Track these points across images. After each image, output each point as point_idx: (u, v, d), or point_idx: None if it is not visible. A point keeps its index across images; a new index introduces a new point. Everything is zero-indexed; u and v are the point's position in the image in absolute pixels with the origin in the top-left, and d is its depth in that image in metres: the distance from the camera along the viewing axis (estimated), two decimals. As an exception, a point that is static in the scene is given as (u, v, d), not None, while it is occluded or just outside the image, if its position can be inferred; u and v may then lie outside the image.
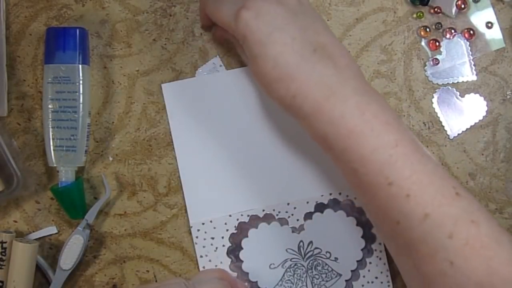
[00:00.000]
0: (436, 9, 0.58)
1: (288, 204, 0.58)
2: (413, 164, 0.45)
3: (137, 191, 0.59)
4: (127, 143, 0.59)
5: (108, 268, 0.59)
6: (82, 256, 0.58)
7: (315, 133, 0.48)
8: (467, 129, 0.59)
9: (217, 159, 0.58)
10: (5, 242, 0.56)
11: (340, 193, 0.58)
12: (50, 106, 0.56)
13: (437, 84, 0.58)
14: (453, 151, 0.59)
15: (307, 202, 0.58)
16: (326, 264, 0.58)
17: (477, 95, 0.58)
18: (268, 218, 0.58)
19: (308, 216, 0.58)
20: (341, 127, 0.46)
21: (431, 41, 0.58)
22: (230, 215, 0.58)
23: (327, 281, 0.58)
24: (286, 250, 0.58)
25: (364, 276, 0.58)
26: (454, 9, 0.58)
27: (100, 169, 0.59)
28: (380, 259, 0.58)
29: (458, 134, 0.59)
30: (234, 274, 0.58)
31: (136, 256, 0.59)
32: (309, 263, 0.58)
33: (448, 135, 0.59)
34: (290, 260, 0.58)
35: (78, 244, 0.57)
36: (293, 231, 0.58)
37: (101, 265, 0.59)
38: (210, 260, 0.58)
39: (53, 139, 0.56)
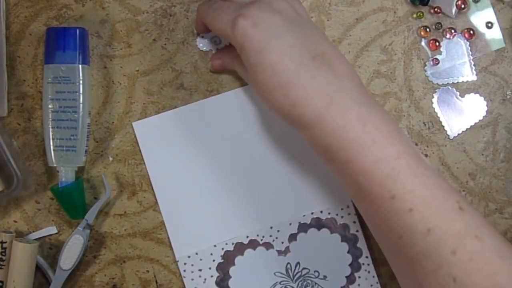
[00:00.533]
0: (436, 9, 0.58)
1: (271, 227, 0.58)
2: (416, 177, 0.45)
3: (137, 191, 0.59)
4: (127, 143, 0.59)
5: (108, 268, 0.59)
6: (82, 256, 0.58)
7: (316, 143, 0.47)
8: (467, 129, 0.59)
9: (196, 191, 0.58)
10: (5, 242, 0.56)
11: (321, 211, 0.58)
12: (50, 106, 0.56)
13: (437, 84, 0.58)
14: (453, 151, 0.59)
15: (290, 224, 0.58)
16: (316, 283, 0.58)
17: (477, 95, 0.58)
18: (252, 244, 0.58)
19: (293, 237, 0.58)
20: (343, 138, 0.46)
21: (431, 41, 0.58)
22: (215, 245, 0.58)
23: None
24: (275, 274, 0.58)
25: None
26: (454, 9, 0.58)
27: (100, 169, 0.59)
28: (368, 272, 0.58)
29: (458, 134, 0.59)
30: None
31: (136, 256, 0.59)
32: (298, 284, 0.58)
33: (448, 135, 0.59)
34: (280, 283, 0.58)
35: (78, 244, 0.57)
36: (279, 254, 0.58)
37: (101, 265, 0.59)
38: None
39: (53, 139, 0.56)
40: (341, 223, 0.58)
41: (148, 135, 0.58)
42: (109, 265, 0.59)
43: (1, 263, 0.56)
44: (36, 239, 0.59)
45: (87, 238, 0.57)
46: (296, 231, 0.58)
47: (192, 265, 0.58)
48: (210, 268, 0.58)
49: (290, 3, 0.50)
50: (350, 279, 0.58)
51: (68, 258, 0.57)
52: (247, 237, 0.58)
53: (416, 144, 0.59)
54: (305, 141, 0.49)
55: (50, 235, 0.59)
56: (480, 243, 0.43)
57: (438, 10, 0.58)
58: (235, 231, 0.58)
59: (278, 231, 0.58)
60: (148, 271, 0.59)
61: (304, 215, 0.58)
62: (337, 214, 0.58)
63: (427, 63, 0.58)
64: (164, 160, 0.58)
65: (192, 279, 0.58)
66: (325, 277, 0.58)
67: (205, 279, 0.58)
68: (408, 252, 0.45)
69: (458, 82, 0.58)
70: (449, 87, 0.58)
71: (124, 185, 0.59)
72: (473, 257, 0.43)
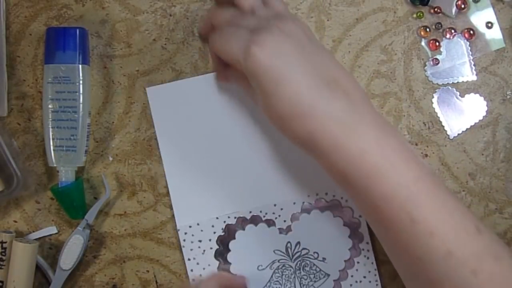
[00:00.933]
0: (436, 9, 0.58)
1: (275, 205, 0.58)
2: (435, 200, 0.45)
3: (137, 191, 0.59)
4: (127, 143, 0.59)
5: (108, 268, 0.59)
6: (82, 256, 0.58)
7: (334, 171, 0.47)
8: (467, 129, 0.59)
9: (203, 162, 0.58)
10: (5, 242, 0.56)
11: (326, 193, 0.58)
12: (50, 106, 0.56)
13: (437, 84, 0.58)
14: (453, 151, 0.59)
15: (294, 203, 0.58)
16: (314, 264, 0.58)
17: (477, 95, 0.58)
18: (255, 219, 0.58)
19: (295, 217, 0.58)
20: (362, 165, 0.45)
21: (431, 41, 0.58)
22: (217, 218, 0.58)
23: (315, 281, 0.58)
24: (274, 252, 0.58)
25: (352, 276, 0.58)
26: (454, 9, 0.58)
27: (100, 169, 0.59)
28: (368, 258, 0.58)
29: (458, 134, 0.59)
30: None
31: (136, 256, 0.59)
32: (297, 264, 0.58)
33: (448, 135, 0.59)
34: (278, 261, 0.58)
35: (78, 244, 0.57)
36: (280, 232, 0.58)
37: (101, 265, 0.59)
38: (198, 263, 0.58)
39: (53, 139, 0.56)
40: (346, 206, 0.58)
41: (160, 102, 0.58)
42: (109, 265, 0.59)
43: (1, 263, 0.56)
44: (36, 239, 0.59)
45: (87, 238, 0.57)
46: (299, 211, 0.58)
47: (193, 235, 0.58)
48: (210, 240, 0.58)
49: (299, 25, 0.49)
50: (349, 263, 0.58)
51: (68, 258, 0.57)
52: (250, 212, 0.58)
53: (416, 144, 0.59)
54: (322, 168, 0.48)
55: (50, 235, 0.59)
56: (500, 263, 0.44)
57: (438, 10, 0.58)
58: (239, 205, 0.58)
59: (282, 209, 0.58)
60: (148, 271, 0.59)
61: (309, 196, 0.58)
62: (342, 198, 0.58)
63: (427, 63, 0.58)
64: (174, 128, 0.58)
65: (191, 249, 0.58)
66: (324, 259, 0.58)
67: (204, 250, 0.58)
68: (428, 274, 0.45)
69: (458, 82, 0.58)
70: (449, 87, 0.58)
71: (124, 185, 0.59)
72: (493, 278, 0.43)
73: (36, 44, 0.59)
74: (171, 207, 0.59)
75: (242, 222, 0.58)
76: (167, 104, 0.58)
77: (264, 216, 0.58)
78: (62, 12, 0.59)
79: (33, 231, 0.59)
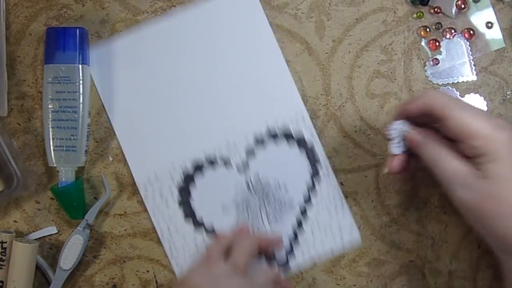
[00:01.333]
0: (436, 9, 0.58)
1: (228, 143, 0.58)
2: None
3: (137, 191, 0.59)
4: (127, 143, 0.59)
5: (108, 268, 0.59)
6: (82, 256, 0.58)
7: None
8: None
9: (150, 113, 0.58)
10: (5, 242, 0.56)
11: (276, 122, 0.58)
12: (50, 106, 0.56)
13: (437, 84, 0.58)
14: (453, 151, 0.59)
15: (246, 137, 0.58)
16: (277, 195, 0.58)
17: (477, 95, 0.58)
18: (211, 160, 0.58)
19: (250, 152, 0.58)
20: None
21: (431, 41, 0.58)
22: (173, 165, 0.58)
23: (281, 211, 0.58)
24: (235, 190, 0.58)
25: (316, 197, 0.58)
26: (454, 9, 0.58)
27: (100, 169, 0.59)
28: (328, 176, 0.58)
29: (458, 134, 0.59)
30: (189, 222, 0.58)
31: (136, 256, 0.59)
32: (260, 197, 0.58)
33: (448, 135, 0.59)
34: (241, 198, 0.58)
35: (78, 244, 0.57)
36: (238, 170, 0.58)
37: (101, 265, 0.59)
38: (162, 214, 0.58)
39: (53, 139, 0.56)
40: (297, 132, 0.58)
41: (97, 60, 0.58)
42: (109, 265, 0.59)
43: (1, 263, 0.56)
44: (36, 239, 0.59)
45: (87, 238, 0.57)
46: (252, 144, 0.58)
47: (152, 188, 0.58)
48: (171, 191, 0.58)
49: None
50: (311, 187, 0.58)
51: (68, 258, 0.57)
52: (205, 154, 0.58)
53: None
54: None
55: (50, 235, 0.59)
56: None
57: (438, 10, 0.58)
58: (192, 148, 0.58)
59: (236, 146, 0.58)
60: (148, 271, 0.59)
61: (259, 127, 0.58)
62: (292, 124, 0.58)
63: (427, 63, 0.58)
64: (116, 84, 0.58)
65: (154, 201, 0.58)
66: (286, 188, 0.58)
67: (166, 200, 0.58)
68: None
69: (458, 82, 0.58)
70: (449, 87, 0.58)
71: (124, 185, 0.59)
72: None
73: (36, 44, 0.59)
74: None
75: (199, 167, 0.58)
76: (105, 61, 0.58)
77: (219, 155, 0.58)
78: (62, 12, 0.59)
79: (33, 231, 0.59)
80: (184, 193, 0.58)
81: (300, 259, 0.58)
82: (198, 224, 0.58)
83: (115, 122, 0.58)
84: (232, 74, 0.58)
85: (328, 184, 0.58)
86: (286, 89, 0.58)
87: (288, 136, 0.58)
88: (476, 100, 0.58)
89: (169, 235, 0.58)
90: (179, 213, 0.58)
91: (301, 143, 0.58)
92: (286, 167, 0.58)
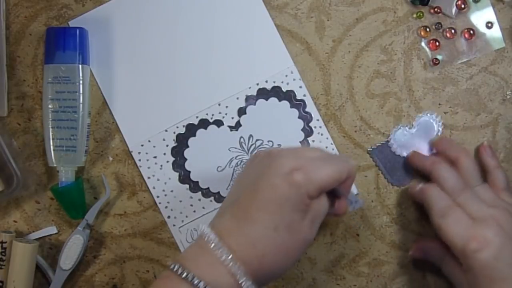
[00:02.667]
0: (436, 9, 0.58)
1: (219, 104, 0.58)
2: None
3: (137, 191, 0.59)
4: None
5: (108, 268, 0.59)
6: (82, 256, 0.58)
7: None
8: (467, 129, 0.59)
9: (141, 79, 0.58)
10: (5, 242, 0.56)
11: (266, 81, 0.58)
12: (50, 106, 0.56)
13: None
14: (453, 151, 0.59)
15: (237, 98, 0.58)
16: None
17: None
18: (203, 123, 0.59)
19: (242, 111, 0.59)
20: None
21: (431, 41, 0.58)
22: (166, 130, 0.58)
23: None
24: (229, 150, 0.58)
25: None
26: (454, 9, 0.58)
27: (100, 169, 0.59)
28: (321, 134, 0.58)
29: (458, 134, 0.59)
30: (185, 186, 0.58)
31: (136, 256, 0.59)
32: None
33: (448, 135, 0.59)
34: (236, 158, 0.58)
35: (78, 244, 0.57)
36: (231, 130, 0.59)
37: (101, 265, 0.59)
38: (158, 179, 0.59)
39: (53, 139, 0.56)
40: (287, 89, 0.58)
41: (95, 27, 0.58)
42: (109, 265, 0.59)
43: (1, 263, 0.56)
44: (36, 239, 0.59)
45: (87, 238, 0.57)
46: (244, 105, 0.59)
47: (146, 153, 0.59)
48: (164, 154, 0.59)
49: (506, 211, 0.51)
50: (304, 144, 0.58)
51: (68, 258, 0.57)
52: (197, 117, 0.59)
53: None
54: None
55: (50, 235, 0.59)
56: None
57: (438, 10, 0.58)
58: (184, 113, 0.59)
59: (227, 106, 0.58)
60: (148, 271, 0.59)
61: (249, 87, 0.59)
62: (282, 82, 0.58)
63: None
64: (105, 55, 0.58)
65: (149, 167, 0.59)
66: (279, 145, 0.58)
67: (161, 165, 0.59)
68: None
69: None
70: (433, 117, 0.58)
71: (124, 185, 0.59)
72: None
73: (36, 44, 0.59)
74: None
75: (192, 128, 0.59)
76: (93, 33, 0.58)
77: (211, 118, 0.59)
78: (62, 12, 0.59)
79: (33, 231, 0.59)
80: (178, 156, 0.58)
81: None
82: (193, 185, 0.58)
83: (105, 91, 0.59)
84: (220, 37, 0.58)
85: (321, 143, 0.58)
86: (275, 48, 0.58)
87: (278, 93, 0.58)
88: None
89: (166, 200, 0.58)
90: (174, 176, 0.59)
91: (292, 99, 0.58)
92: (278, 124, 0.59)
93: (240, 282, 0.43)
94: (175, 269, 0.43)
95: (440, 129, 0.58)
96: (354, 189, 0.56)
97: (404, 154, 0.58)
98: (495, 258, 0.48)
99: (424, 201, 0.53)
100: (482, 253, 0.48)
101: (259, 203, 0.45)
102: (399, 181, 0.58)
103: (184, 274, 0.43)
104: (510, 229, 0.50)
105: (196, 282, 0.42)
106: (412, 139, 0.58)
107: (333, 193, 0.49)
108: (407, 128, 0.58)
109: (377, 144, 0.58)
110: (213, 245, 0.44)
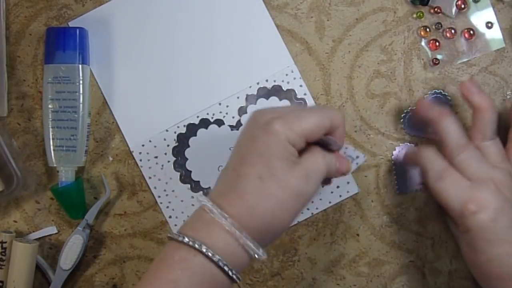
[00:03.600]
0: (436, 9, 0.58)
1: (220, 104, 0.58)
2: None
3: (137, 191, 0.59)
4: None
5: (108, 268, 0.59)
6: (82, 256, 0.58)
7: None
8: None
9: (142, 79, 0.58)
10: (5, 242, 0.56)
11: (267, 80, 0.58)
12: (50, 106, 0.56)
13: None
14: (453, 151, 0.59)
15: (238, 97, 0.59)
16: None
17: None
18: (204, 123, 0.59)
19: (242, 110, 0.59)
20: None
21: (431, 41, 0.58)
22: (167, 130, 0.58)
23: None
24: (230, 149, 0.58)
25: None
26: (454, 9, 0.58)
27: (100, 169, 0.59)
28: None
29: (458, 134, 0.59)
30: (186, 186, 0.58)
31: (136, 256, 0.59)
32: None
33: (448, 135, 0.59)
34: None
35: (78, 244, 0.57)
36: (232, 129, 0.59)
37: (101, 265, 0.59)
38: (159, 179, 0.59)
39: (53, 139, 0.56)
40: (288, 88, 0.58)
41: (96, 27, 0.58)
42: (109, 265, 0.59)
43: (1, 263, 0.56)
44: (36, 239, 0.59)
45: (87, 238, 0.57)
46: (244, 104, 0.59)
47: (148, 153, 0.59)
48: (165, 154, 0.59)
49: (507, 174, 0.51)
50: None
51: (68, 258, 0.57)
52: (198, 117, 0.59)
53: (416, 144, 0.59)
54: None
55: (50, 235, 0.59)
56: None
57: (438, 10, 0.58)
58: (185, 112, 0.59)
59: (227, 106, 0.58)
60: (148, 271, 0.59)
61: (250, 86, 0.59)
62: (282, 81, 0.58)
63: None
64: (105, 55, 0.58)
65: (150, 167, 0.59)
66: None
67: (162, 165, 0.59)
68: None
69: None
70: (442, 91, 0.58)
71: (124, 185, 0.59)
72: None
73: (36, 44, 0.59)
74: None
75: (192, 128, 0.59)
76: (93, 33, 0.58)
77: (212, 117, 0.59)
78: (62, 12, 0.59)
79: (33, 231, 0.59)
80: (179, 155, 0.58)
81: None
82: (194, 185, 0.58)
83: (105, 91, 0.58)
84: (221, 37, 0.58)
85: None
86: (275, 47, 0.58)
87: (279, 92, 0.58)
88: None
89: (167, 200, 0.58)
90: (175, 175, 0.59)
91: (292, 98, 0.58)
92: None
93: (237, 237, 0.43)
94: (176, 237, 0.43)
95: (451, 103, 0.58)
96: (353, 148, 0.55)
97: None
98: (492, 220, 0.48)
99: (419, 164, 0.53)
100: (480, 215, 0.48)
101: (242, 157, 0.45)
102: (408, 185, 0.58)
103: (181, 238, 0.43)
104: (508, 191, 0.50)
105: (197, 245, 0.42)
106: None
107: (327, 148, 0.48)
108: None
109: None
110: (206, 206, 0.43)
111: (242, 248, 0.43)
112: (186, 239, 0.42)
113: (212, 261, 0.42)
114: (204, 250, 0.42)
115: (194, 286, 0.42)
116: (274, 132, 0.44)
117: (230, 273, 0.43)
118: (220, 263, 0.42)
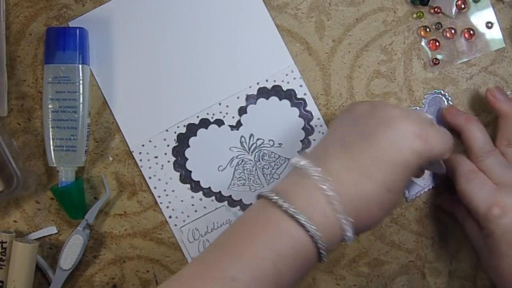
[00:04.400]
0: (436, 9, 0.58)
1: (220, 104, 0.58)
2: None
3: (137, 191, 0.59)
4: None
5: (108, 268, 0.59)
6: (82, 256, 0.58)
7: None
8: (467, 129, 0.59)
9: (142, 79, 0.58)
10: (5, 242, 0.56)
11: (266, 80, 0.58)
12: (50, 106, 0.56)
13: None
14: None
15: (238, 97, 0.59)
16: (272, 152, 0.58)
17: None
18: (204, 123, 0.59)
19: (242, 110, 0.59)
20: None
21: (431, 41, 0.58)
22: (167, 130, 0.58)
23: (277, 168, 0.58)
24: (230, 149, 0.58)
25: None
26: (454, 9, 0.58)
27: (100, 169, 0.59)
28: (322, 133, 0.58)
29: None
30: (186, 186, 0.58)
31: (136, 256, 0.59)
32: (255, 155, 0.58)
33: (448, 135, 0.59)
34: (237, 157, 0.58)
35: (78, 244, 0.57)
36: (232, 129, 0.59)
37: (101, 265, 0.59)
38: (159, 179, 0.59)
39: (53, 139, 0.56)
40: (288, 88, 0.58)
41: (96, 27, 0.58)
42: (109, 265, 0.59)
43: (1, 263, 0.56)
44: (36, 239, 0.59)
45: (87, 238, 0.57)
46: (244, 104, 0.59)
47: (148, 153, 0.59)
48: (165, 154, 0.59)
49: None
50: (305, 143, 0.58)
51: (68, 258, 0.57)
52: (198, 117, 0.59)
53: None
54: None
55: (50, 235, 0.59)
56: None
57: (438, 10, 0.58)
58: (185, 112, 0.59)
59: (227, 106, 0.58)
60: (148, 271, 0.59)
61: (250, 86, 0.59)
62: (282, 81, 0.58)
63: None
64: (105, 55, 0.58)
65: (150, 167, 0.59)
66: (280, 144, 0.58)
67: (162, 165, 0.59)
68: None
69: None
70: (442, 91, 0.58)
71: (124, 185, 0.59)
72: None
73: (36, 44, 0.59)
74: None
75: (193, 128, 0.59)
76: (94, 32, 0.58)
77: (212, 117, 0.59)
78: (62, 12, 0.59)
79: (33, 231, 0.59)
80: (179, 155, 0.59)
81: None
82: (194, 185, 0.58)
83: (105, 91, 0.58)
84: (221, 37, 0.58)
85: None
86: (275, 47, 0.58)
87: (279, 92, 0.58)
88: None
89: (167, 200, 0.58)
90: (175, 175, 0.59)
91: (292, 98, 0.58)
92: (279, 123, 0.59)
93: (337, 209, 0.43)
94: (273, 200, 0.43)
95: (450, 102, 0.58)
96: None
97: None
98: (507, 217, 0.49)
99: (448, 166, 0.53)
100: (504, 219, 0.49)
101: (381, 163, 0.45)
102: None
103: (284, 206, 0.43)
104: None
105: (296, 215, 0.42)
106: None
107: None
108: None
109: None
110: (317, 177, 0.44)
111: (338, 224, 0.43)
112: (292, 209, 0.42)
113: (311, 237, 0.42)
114: (308, 226, 0.42)
115: (293, 265, 0.42)
116: (418, 153, 0.45)
117: (322, 249, 0.43)
118: (320, 241, 0.42)
